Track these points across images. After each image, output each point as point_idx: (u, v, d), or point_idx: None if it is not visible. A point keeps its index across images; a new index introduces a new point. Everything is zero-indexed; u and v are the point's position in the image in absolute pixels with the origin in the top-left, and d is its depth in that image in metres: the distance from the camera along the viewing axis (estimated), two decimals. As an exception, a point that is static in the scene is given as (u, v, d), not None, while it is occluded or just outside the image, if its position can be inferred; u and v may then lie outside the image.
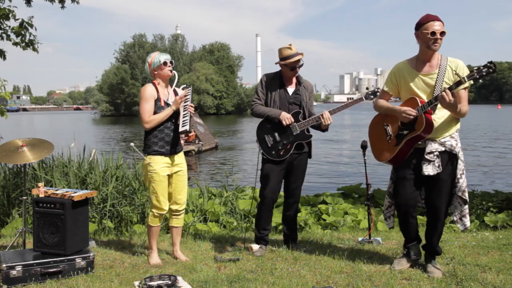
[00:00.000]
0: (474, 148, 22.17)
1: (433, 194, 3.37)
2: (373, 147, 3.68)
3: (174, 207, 3.86)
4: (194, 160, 19.34)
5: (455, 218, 3.44)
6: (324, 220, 5.96)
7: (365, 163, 4.59)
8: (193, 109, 3.71)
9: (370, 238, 4.40)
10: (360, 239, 4.46)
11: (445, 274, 3.33)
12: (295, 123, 3.97)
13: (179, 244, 3.97)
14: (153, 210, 3.79)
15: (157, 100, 3.68)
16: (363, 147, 4.50)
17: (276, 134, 3.98)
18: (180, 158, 3.86)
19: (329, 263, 3.66)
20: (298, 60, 3.97)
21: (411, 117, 3.26)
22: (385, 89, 3.55)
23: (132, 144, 3.90)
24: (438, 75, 3.27)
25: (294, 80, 4.10)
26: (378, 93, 4.06)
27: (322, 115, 3.91)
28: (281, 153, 3.96)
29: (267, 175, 4.01)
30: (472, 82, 3.23)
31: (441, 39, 3.24)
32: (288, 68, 3.98)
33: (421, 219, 5.03)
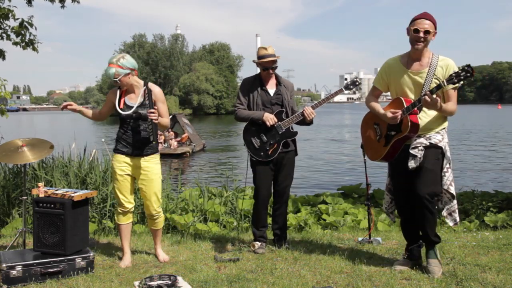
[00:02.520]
0: (474, 148, 22.17)
1: (418, 182, 3.30)
2: (365, 145, 3.74)
3: (146, 211, 3.86)
4: (189, 162, 19.29)
5: (444, 214, 3.45)
6: (324, 220, 5.96)
7: (365, 163, 4.58)
8: (155, 115, 3.54)
9: (370, 238, 4.40)
10: (360, 239, 4.46)
11: (445, 274, 3.33)
12: (279, 122, 4.04)
13: (159, 244, 3.98)
14: (117, 206, 3.84)
15: (118, 103, 3.70)
16: (363, 147, 4.50)
17: (262, 135, 4.06)
18: (146, 162, 3.72)
19: (329, 263, 3.66)
20: (272, 62, 4.04)
21: (396, 122, 3.29)
22: (375, 85, 3.56)
23: (103, 139, 3.94)
24: (427, 74, 3.28)
25: (273, 80, 4.18)
26: (357, 83, 4.11)
27: (304, 111, 4.01)
28: (269, 153, 4.04)
29: (260, 176, 4.10)
30: (460, 84, 3.19)
31: (424, 38, 3.21)
32: (261, 68, 4.08)
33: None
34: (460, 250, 3.96)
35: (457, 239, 4.44)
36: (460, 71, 3.04)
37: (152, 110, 3.55)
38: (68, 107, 3.73)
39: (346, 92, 4.31)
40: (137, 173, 3.75)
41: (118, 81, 3.59)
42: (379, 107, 3.51)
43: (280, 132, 4.05)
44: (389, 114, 3.32)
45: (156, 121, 3.56)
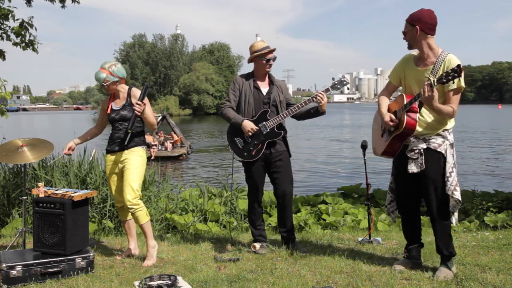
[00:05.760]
0: (474, 148, 22.17)
1: (423, 193, 3.38)
2: (372, 139, 3.75)
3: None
4: (187, 162, 19.25)
5: None
6: (324, 220, 5.96)
7: (365, 163, 4.59)
8: (140, 107, 3.69)
9: (370, 238, 4.40)
10: (360, 239, 4.46)
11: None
12: (263, 122, 3.96)
13: (134, 237, 4.10)
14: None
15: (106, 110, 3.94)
16: (363, 147, 4.51)
17: (246, 136, 3.99)
18: (125, 155, 3.85)
19: (329, 263, 3.66)
20: (272, 52, 4.01)
21: (390, 125, 3.33)
22: (390, 79, 3.58)
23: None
24: (431, 71, 3.27)
25: (266, 79, 4.12)
26: (345, 83, 4.01)
27: (316, 96, 3.83)
28: (253, 153, 3.98)
29: (250, 174, 4.09)
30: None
31: (404, 38, 3.32)
32: (262, 60, 4.00)
33: (423, 219, 5.02)
34: (460, 250, 3.96)
35: (457, 239, 4.44)
36: (450, 71, 3.03)
37: (139, 102, 3.71)
38: (70, 151, 4.05)
39: (333, 92, 4.23)
40: (120, 167, 3.89)
41: (105, 86, 3.82)
42: (384, 103, 3.50)
43: (264, 132, 3.95)
44: (387, 118, 3.35)
45: (138, 113, 3.72)
